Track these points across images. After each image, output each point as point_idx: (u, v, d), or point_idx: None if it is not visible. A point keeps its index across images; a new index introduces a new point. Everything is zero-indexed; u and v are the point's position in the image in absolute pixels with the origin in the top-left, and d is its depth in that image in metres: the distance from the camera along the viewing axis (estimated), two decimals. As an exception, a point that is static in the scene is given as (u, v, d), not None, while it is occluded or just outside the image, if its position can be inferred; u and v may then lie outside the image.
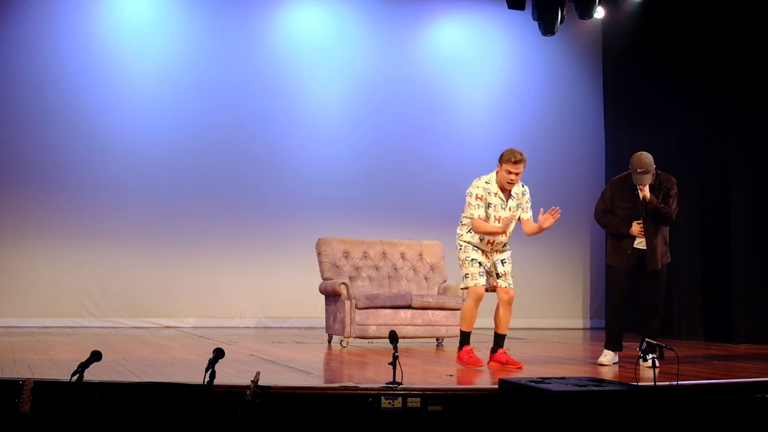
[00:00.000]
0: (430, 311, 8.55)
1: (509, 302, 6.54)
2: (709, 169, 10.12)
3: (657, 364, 6.06)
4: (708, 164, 10.14)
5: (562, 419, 4.28)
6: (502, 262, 6.53)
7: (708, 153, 10.11)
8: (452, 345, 8.64)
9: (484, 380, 5.68)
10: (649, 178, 6.48)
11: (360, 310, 8.23)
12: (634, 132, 11.23)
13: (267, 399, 4.62)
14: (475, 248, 6.48)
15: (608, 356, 6.68)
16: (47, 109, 10.50)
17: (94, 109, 10.68)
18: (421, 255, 9.22)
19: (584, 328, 12.10)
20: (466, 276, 6.47)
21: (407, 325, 8.45)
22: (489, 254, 6.51)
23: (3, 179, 10.38)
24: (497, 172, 6.41)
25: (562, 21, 10.55)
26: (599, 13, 11.27)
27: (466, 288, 6.49)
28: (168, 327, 10.61)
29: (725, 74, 9.85)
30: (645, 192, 6.50)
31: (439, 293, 8.97)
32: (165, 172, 10.85)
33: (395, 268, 8.98)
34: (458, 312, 8.64)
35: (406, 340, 8.33)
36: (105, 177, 10.66)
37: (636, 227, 6.59)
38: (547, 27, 10.54)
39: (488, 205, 6.41)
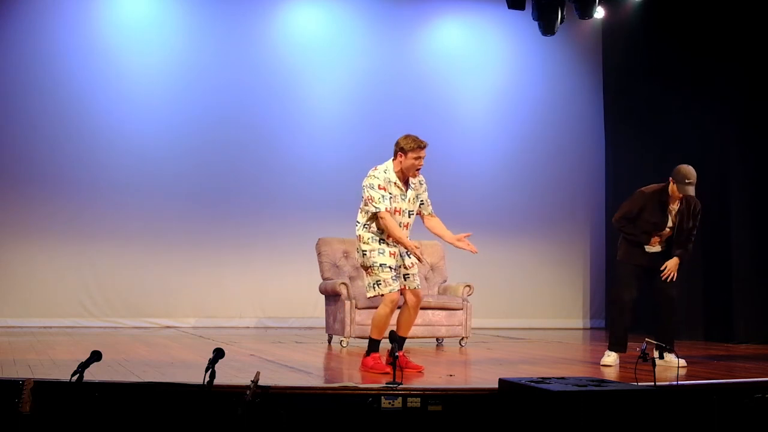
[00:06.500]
0: (430, 311, 8.54)
1: (418, 305, 6.19)
2: (709, 169, 10.07)
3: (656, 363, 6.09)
4: (708, 164, 10.09)
5: (562, 419, 4.28)
6: (407, 253, 6.07)
7: (708, 153, 10.09)
8: (452, 345, 8.65)
9: (484, 380, 5.68)
10: (692, 191, 6.41)
11: (360, 310, 8.22)
12: (634, 132, 11.22)
13: (267, 399, 4.62)
14: (381, 248, 5.99)
15: (612, 356, 6.63)
16: (47, 109, 10.49)
17: (93, 109, 10.68)
18: (421, 255, 9.21)
19: (584, 328, 12.09)
20: (378, 283, 5.98)
21: (407, 325, 8.44)
22: (396, 248, 6.04)
23: (3, 179, 10.38)
24: (398, 161, 6.01)
25: (562, 21, 10.54)
26: (599, 13, 11.27)
27: (377, 296, 6.02)
28: (168, 327, 10.60)
29: (725, 74, 9.84)
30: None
31: (439, 293, 8.97)
32: (165, 171, 10.84)
33: (395, 268, 8.97)
34: (459, 312, 8.65)
35: (406, 339, 8.30)
36: (105, 176, 10.65)
37: (655, 240, 6.61)
38: (547, 27, 10.53)
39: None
